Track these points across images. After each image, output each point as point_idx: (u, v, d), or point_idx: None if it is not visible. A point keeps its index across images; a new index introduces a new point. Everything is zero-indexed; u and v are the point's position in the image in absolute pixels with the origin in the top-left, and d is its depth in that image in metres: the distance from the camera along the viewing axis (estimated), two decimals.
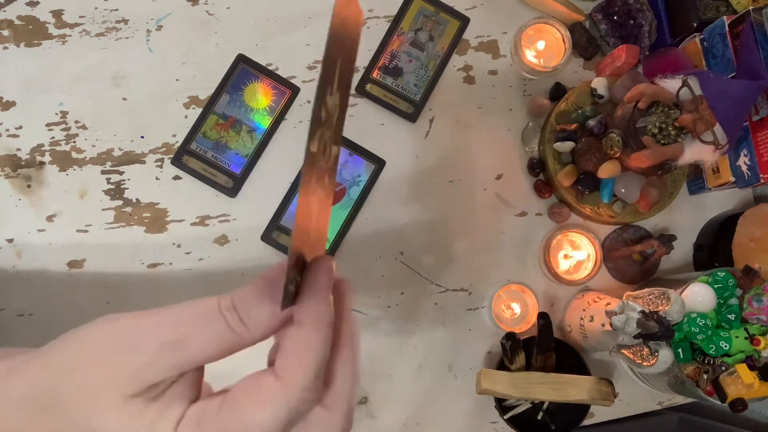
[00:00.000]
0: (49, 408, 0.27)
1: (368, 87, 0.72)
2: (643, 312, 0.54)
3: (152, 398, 0.27)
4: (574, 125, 0.68)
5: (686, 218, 0.74)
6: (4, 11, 0.71)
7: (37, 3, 0.71)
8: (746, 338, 0.54)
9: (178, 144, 0.70)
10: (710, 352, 0.53)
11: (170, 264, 0.70)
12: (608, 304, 0.63)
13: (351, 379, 0.29)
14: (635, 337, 0.54)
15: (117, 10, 0.72)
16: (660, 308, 0.53)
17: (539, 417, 0.68)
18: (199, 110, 0.71)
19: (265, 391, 0.26)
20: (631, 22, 0.72)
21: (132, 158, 0.71)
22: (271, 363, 0.29)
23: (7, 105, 0.70)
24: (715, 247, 0.71)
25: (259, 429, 0.26)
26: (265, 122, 0.71)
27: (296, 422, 0.27)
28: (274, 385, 0.26)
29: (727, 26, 0.63)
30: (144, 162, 0.71)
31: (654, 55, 0.69)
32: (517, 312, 0.72)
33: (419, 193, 0.73)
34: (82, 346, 0.27)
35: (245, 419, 0.26)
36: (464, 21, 0.74)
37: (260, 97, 0.71)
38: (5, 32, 0.70)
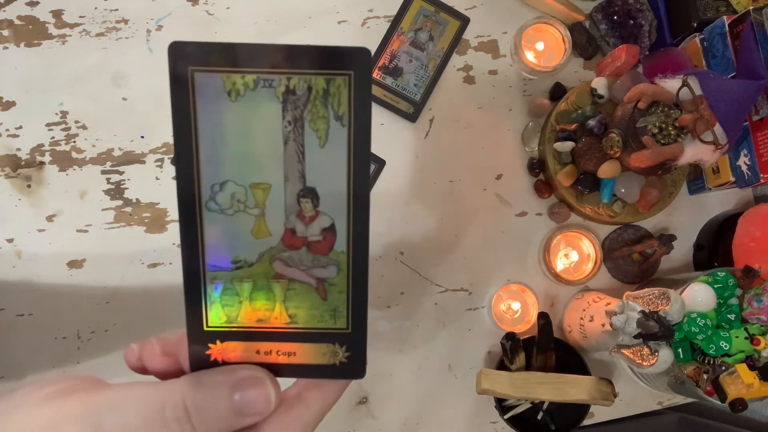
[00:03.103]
0: None
1: None
2: (643, 312, 0.54)
3: None
4: (574, 125, 0.68)
5: (686, 218, 0.74)
6: (4, 11, 0.71)
7: (37, 3, 0.71)
8: (746, 338, 0.53)
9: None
10: (710, 352, 0.53)
11: (170, 264, 0.70)
12: (608, 304, 0.63)
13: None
14: (635, 337, 0.54)
15: (117, 10, 0.72)
16: (660, 308, 0.53)
17: (539, 417, 0.68)
18: None
19: None
20: (631, 22, 0.72)
21: (132, 158, 0.71)
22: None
23: (7, 105, 0.70)
24: (715, 247, 0.71)
25: None
26: None
27: None
28: None
29: (727, 26, 0.63)
30: (144, 162, 0.71)
31: (654, 55, 0.69)
32: (517, 312, 0.72)
33: (419, 193, 0.73)
34: None
35: None
36: (464, 21, 0.74)
37: None
38: (5, 32, 0.70)
